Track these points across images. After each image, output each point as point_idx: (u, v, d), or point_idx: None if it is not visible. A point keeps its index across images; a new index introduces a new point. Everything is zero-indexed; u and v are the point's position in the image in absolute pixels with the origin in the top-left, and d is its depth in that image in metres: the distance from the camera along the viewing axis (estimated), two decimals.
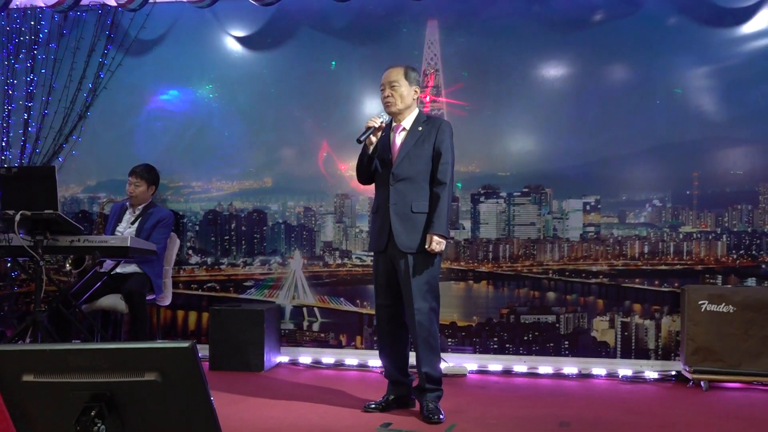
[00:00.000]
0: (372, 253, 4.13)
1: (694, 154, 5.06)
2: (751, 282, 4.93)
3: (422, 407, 3.82)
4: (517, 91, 5.28)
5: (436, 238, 3.76)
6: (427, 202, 3.84)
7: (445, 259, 5.11)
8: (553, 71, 5.25)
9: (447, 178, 3.84)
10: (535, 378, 4.98)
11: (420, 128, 3.90)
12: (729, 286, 4.89)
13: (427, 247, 3.77)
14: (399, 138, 3.92)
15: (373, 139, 3.86)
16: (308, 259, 5.59)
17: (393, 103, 3.88)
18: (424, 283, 3.81)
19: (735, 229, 5.00)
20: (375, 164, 3.95)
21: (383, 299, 3.96)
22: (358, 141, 3.84)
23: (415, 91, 3.95)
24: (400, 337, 3.98)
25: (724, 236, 5.02)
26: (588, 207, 5.19)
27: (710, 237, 5.04)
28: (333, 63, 5.54)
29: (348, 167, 5.53)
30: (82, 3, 5.74)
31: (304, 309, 5.56)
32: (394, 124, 3.97)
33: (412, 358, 3.98)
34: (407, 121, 3.94)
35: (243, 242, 5.72)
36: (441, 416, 3.72)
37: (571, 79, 5.22)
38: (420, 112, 4.00)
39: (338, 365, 5.32)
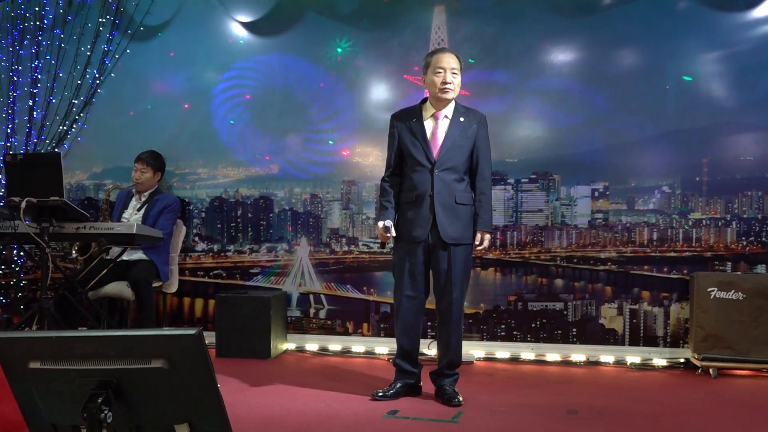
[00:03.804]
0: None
1: (703, 140, 5.01)
2: (760, 269, 4.89)
3: (441, 391, 3.86)
4: (525, 76, 5.23)
5: (486, 235, 3.85)
6: (468, 193, 3.87)
7: None
8: (562, 56, 5.20)
9: (490, 173, 3.93)
10: (543, 365, 4.96)
11: (462, 119, 3.87)
12: (738, 273, 4.86)
13: (479, 245, 3.85)
14: (442, 126, 3.87)
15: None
16: (315, 246, 5.57)
17: (452, 90, 3.83)
18: (462, 274, 3.84)
19: (745, 216, 4.96)
20: (409, 152, 3.88)
21: (413, 291, 3.88)
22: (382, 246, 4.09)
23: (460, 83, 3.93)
24: (419, 328, 4.00)
25: (734, 223, 4.97)
26: (596, 193, 5.15)
27: (720, 224, 5.00)
28: (339, 49, 5.50)
29: (353, 153, 5.51)
30: None
31: (311, 296, 5.55)
32: (433, 110, 3.90)
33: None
34: (448, 110, 3.90)
35: (249, 229, 5.71)
36: (461, 398, 3.79)
37: (580, 65, 5.17)
38: (457, 103, 3.96)
39: (345, 352, 5.31)
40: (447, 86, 3.80)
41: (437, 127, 3.87)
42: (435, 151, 3.82)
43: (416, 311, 3.92)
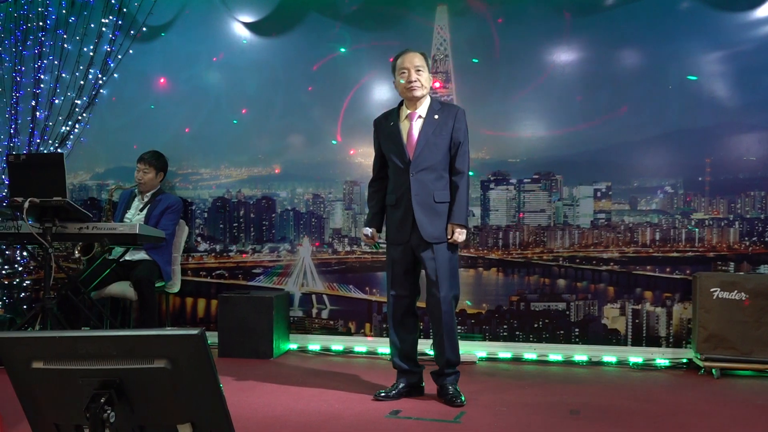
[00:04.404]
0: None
1: (706, 140, 5.00)
2: (763, 269, 4.88)
3: (444, 391, 3.86)
4: (528, 76, 5.22)
5: (457, 228, 3.81)
6: (448, 191, 3.85)
7: None
8: (564, 56, 5.19)
9: (465, 167, 3.87)
10: (545, 365, 4.95)
11: (436, 116, 3.86)
12: (741, 273, 4.85)
13: (449, 238, 3.82)
14: (416, 126, 3.87)
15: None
16: (317, 246, 5.57)
17: (419, 87, 3.84)
18: (448, 271, 3.84)
19: (748, 216, 4.95)
20: (388, 155, 3.94)
21: (399, 290, 3.93)
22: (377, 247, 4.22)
23: (430, 79, 3.93)
24: (413, 326, 4.00)
25: (737, 223, 4.97)
26: (599, 194, 5.14)
27: (722, 224, 4.99)
28: (341, 49, 5.50)
29: (356, 153, 5.51)
30: None
31: (313, 296, 5.55)
32: (407, 111, 3.91)
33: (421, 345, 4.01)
34: (422, 109, 3.90)
35: (252, 229, 5.71)
36: (463, 398, 3.79)
37: (583, 64, 5.16)
38: (433, 100, 3.97)
39: (347, 352, 5.32)
40: (412, 84, 3.82)
41: (412, 128, 3.88)
42: (410, 153, 3.83)
43: (404, 310, 3.95)
